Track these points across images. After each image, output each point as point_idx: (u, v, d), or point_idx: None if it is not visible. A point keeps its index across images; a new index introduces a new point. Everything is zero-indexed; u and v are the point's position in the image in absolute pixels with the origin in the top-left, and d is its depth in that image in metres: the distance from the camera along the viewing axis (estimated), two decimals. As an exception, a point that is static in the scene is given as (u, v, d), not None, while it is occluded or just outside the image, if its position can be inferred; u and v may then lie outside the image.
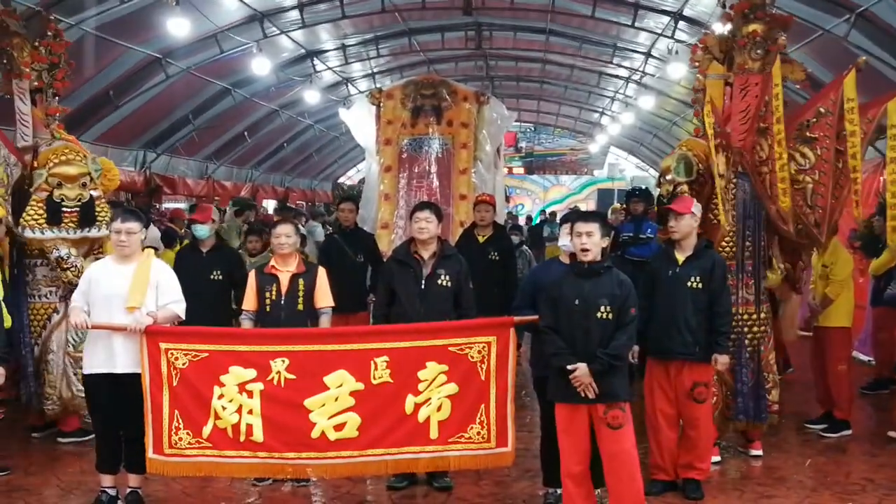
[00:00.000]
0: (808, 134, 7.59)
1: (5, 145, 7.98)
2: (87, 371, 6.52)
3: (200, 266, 8.34)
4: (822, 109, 7.60)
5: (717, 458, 7.62)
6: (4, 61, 8.36)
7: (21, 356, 8.10)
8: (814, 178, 7.59)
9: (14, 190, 8.09)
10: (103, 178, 8.33)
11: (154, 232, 10.83)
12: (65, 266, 7.90)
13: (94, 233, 8.10)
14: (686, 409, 6.91)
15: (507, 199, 34.51)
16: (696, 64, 8.22)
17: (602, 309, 5.90)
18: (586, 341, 5.91)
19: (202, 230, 8.47)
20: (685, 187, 7.59)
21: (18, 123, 8.33)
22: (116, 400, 6.41)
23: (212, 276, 8.32)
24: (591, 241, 5.98)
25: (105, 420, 6.52)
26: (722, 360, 6.89)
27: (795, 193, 7.62)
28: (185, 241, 10.23)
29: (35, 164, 8.13)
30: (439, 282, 6.93)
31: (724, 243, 7.67)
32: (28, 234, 7.91)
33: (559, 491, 6.55)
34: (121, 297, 6.31)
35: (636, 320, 6.00)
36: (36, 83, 8.39)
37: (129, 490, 6.55)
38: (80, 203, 7.99)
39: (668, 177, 7.72)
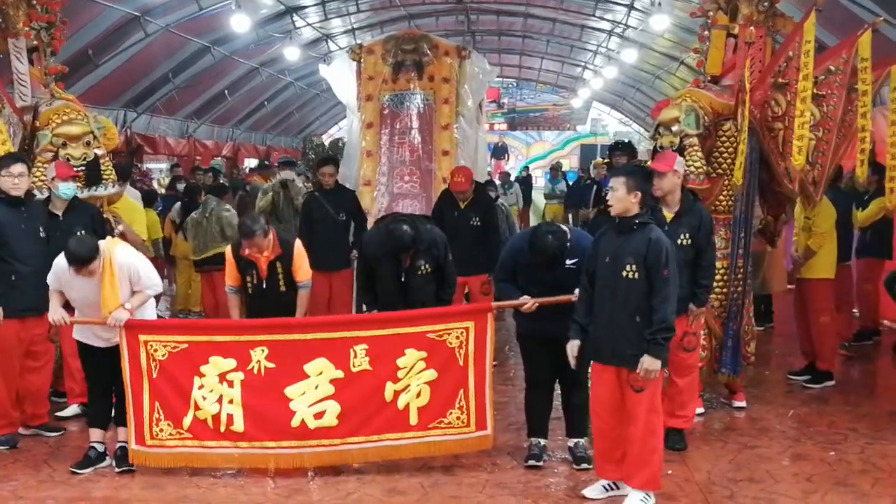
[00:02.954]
0: (815, 91, 7.47)
1: (9, 103, 7.86)
2: (76, 336, 6.55)
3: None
4: (831, 67, 7.48)
5: (700, 410, 7.68)
6: (0, 21, 8.19)
7: None
8: (817, 135, 7.51)
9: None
10: (103, 138, 8.25)
11: (134, 192, 10.78)
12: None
13: (101, 191, 8.03)
14: (675, 357, 6.92)
15: (507, 156, 34.65)
16: (706, 13, 8.12)
17: (628, 268, 5.68)
18: (612, 300, 5.74)
19: (67, 189, 7.54)
20: (695, 140, 7.54)
21: (16, 83, 8.18)
22: (107, 361, 6.44)
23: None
24: (615, 197, 5.79)
25: (97, 377, 6.56)
26: (697, 312, 6.89)
27: (770, 141, 7.59)
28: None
29: (36, 125, 8.02)
30: (419, 272, 7.03)
31: (721, 198, 7.66)
32: (36, 194, 7.81)
33: (543, 442, 6.64)
34: (95, 305, 6.29)
35: (670, 282, 5.68)
36: (35, 42, 8.27)
37: (118, 445, 6.57)
38: (85, 162, 7.91)
39: (675, 128, 7.57)
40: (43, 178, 7.80)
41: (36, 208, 7.37)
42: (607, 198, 5.93)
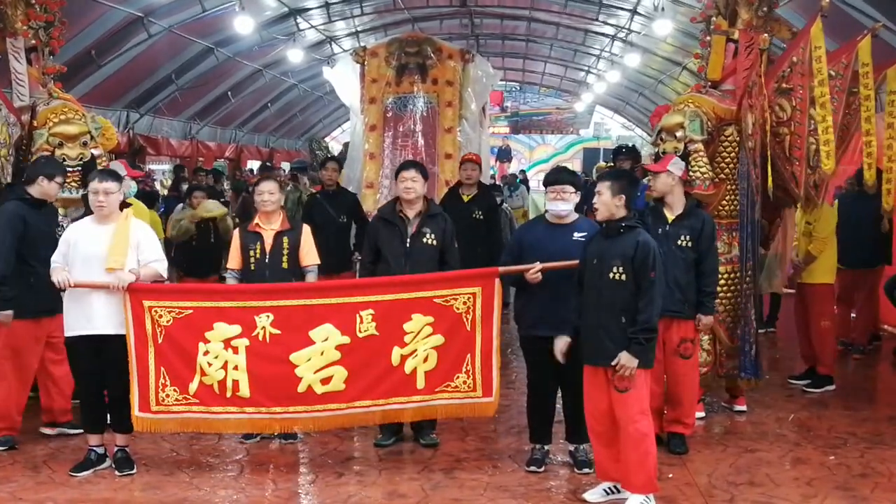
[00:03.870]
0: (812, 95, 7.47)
1: (5, 105, 7.86)
2: (67, 333, 6.48)
3: None
4: (831, 72, 7.49)
5: (701, 414, 7.68)
6: None
7: None
8: (817, 139, 7.54)
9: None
10: (101, 138, 8.26)
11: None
12: (65, 225, 7.83)
13: None
14: (672, 364, 6.94)
15: (509, 159, 34.64)
16: (711, 17, 8.12)
17: (614, 269, 5.76)
18: (598, 301, 5.81)
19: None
20: (699, 145, 7.52)
21: (14, 83, 8.15)
22: (99, 361, 6.41)
23: None
24: (600, 201, 5.88)
25: (89, 382, 6.52)
26: (706, 321, 6.92)
27: (776, 146, 7.61)
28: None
29: (34, 124, 8.00)
30: (424, 240, 6.92)
31: (724, 203, 7.67)
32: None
33: (545, 447, 6.63)
34: (100, 259, 6.27)
35: (656, 285, 5.77)
36: (34, 41, 8.27)
37: (116, 449, 6.56)
38: (81, 162, 7.89)
39: (679, 134, 7.55)
40: None
41: (52, 211, 7.42)
42: (593, 202, 6.01)
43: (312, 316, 6.45)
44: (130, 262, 6.34)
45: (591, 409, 5.98)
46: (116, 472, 6.45)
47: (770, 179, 7.43)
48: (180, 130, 20.30)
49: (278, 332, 6.41)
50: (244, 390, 6.41)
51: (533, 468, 6.52)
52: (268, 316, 6.42)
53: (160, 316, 6.37)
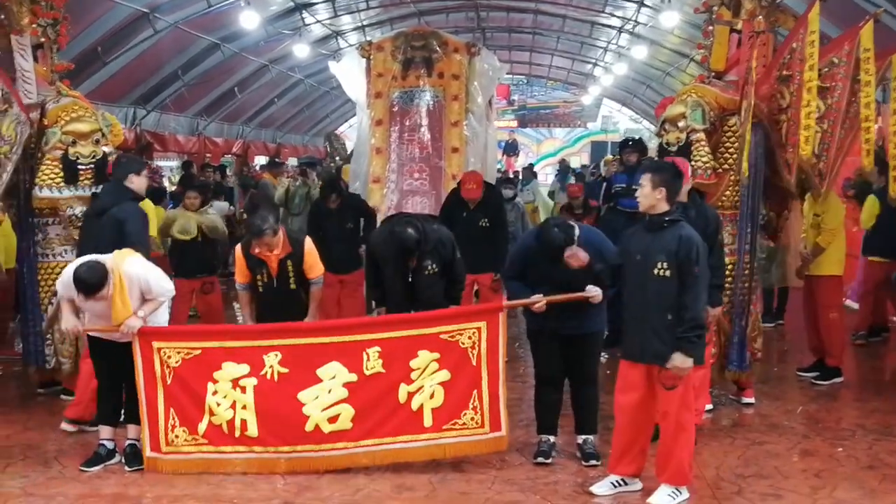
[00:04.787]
0: (820, 83, 7.42)
1: (17, 102, 7.87)
2: (89, 332, 6.57)
3: None
4: (834, 59, 7.47)
5: (709, 407, 7.67)
6: (2, 17, 8.15)
7: (30, 315, 8.09)
8: (822, 128, 7.50)
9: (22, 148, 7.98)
10: (110, 135, 8.26)
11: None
12: (77, 224, 7.84)
13: None
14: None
15: (516, 153, 34.56)
16: (710, 8, 8.11)
17: (659, 265, 5.70)
18: (642, 298, 5.76)
19: None
20: (701, 135, 7.52)
21: (20, 80, 8.11)
22: (118, 356, 6.45)
23: None
24: (641, 193, 5.85)
25: (109, 373, 6.57)
26: (714, 313, 6.91)
27: (775, 133, 7.59)
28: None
29: (45, 122, 8.00)
30: (426, 272, 7.05)
31: (727, 193, 7.66)
32: (46, 193, 7.81)
33: (552, 439, 6.64)
34: (107, 318, 6.31)
35: (700, 280, 5.72)
36: (42, 39, 8.27)
37: (127, 443, 6.59)
38: (94, 160, 7.92)
39: (681, 124, 7.56)
40: (52, 175, 7.83)
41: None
42: (636, 195, 5.98)
43: (320, 354, 6.46)
44: (135, 304, 6.33)
45: (623, 403, 5.96)
46: (126, 467, 6.48)
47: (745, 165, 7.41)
48: (187, 126, 20.33)
49: (286, 370, 6.43)
50: (252, 429, 6.41)
51: (540, 460, 6.53)
52: (276, 355, 6.43)
53: (169, 357, 6.40)
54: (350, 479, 6.29)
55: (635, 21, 19.79)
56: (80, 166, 7.83)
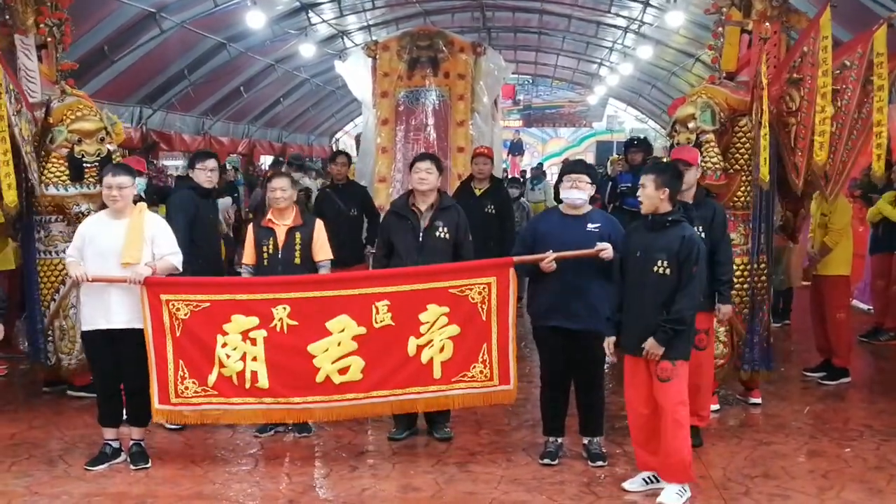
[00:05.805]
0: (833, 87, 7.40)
1: (24, 102, 7.88)
2: (84, 328, 6.54)
3: None
4: (846, 62, 7.42)
5: (716, 407, 7.65)
6: (7, 17, 8.18)
7: (33, 312, 8.11)
8: (830, 130, 7.49)
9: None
10: (113, 133, 8.30)
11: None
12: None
13: None
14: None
15: (522, 153, 34.50)
16: (720, 9, 8.08)
17: (658, 264, 5.77)
18: (641, 296, 5.84)
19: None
20: (711, 136, 7.51)
21: (24, 80, 8.14)
22: (115, 355, 6.44)
23: None
24: (644, 194, 5.90)
25: (105, 375, 6.55)
26: (725, 310, 6.87)
27: (783, 136, 7.56)
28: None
29: (49, 121, 8.05)
30: (437, 234, 6.90)
31: (739, 194, 7.64)
32: (52, 191, 7.88)
33: (559, 440, 6.62)
34: (116, 253, 6.30)
35: (696, 279, 5.78)
36: (49, 39, 8.29)
37: (132, 442, 6.59)
38: (99, 158, 7.97)
39: (691, 125, 7.56)
40: (58, 173, 7.85)
41: (214, 200, 8.22)
42: (638, 195, 6.02)
43: (328, 307, 6.49)
44: (146, 256, 6.37)
45: (631, 398, 6.03)
46: (131, 466, 6.47)
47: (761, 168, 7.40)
48: (193, 126, 20.32)
49: (295, 323, 6.46)
50: (263, 381, 6.47)
51: (546, 461, 6.51)
52: (284, 308, 6.46)
53: (177, 309, 6.41)
54: (355, 479, 6.29)
55: (641, 21, 19.72)
56: (85, 164, 7.94)
